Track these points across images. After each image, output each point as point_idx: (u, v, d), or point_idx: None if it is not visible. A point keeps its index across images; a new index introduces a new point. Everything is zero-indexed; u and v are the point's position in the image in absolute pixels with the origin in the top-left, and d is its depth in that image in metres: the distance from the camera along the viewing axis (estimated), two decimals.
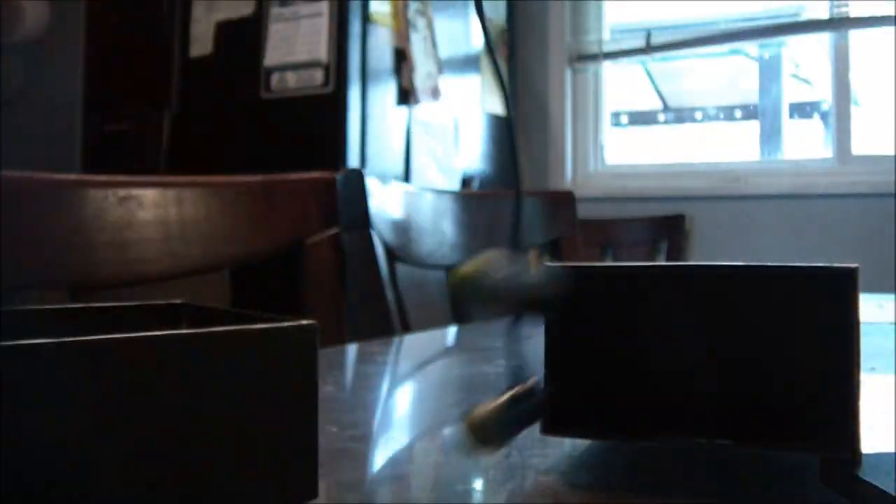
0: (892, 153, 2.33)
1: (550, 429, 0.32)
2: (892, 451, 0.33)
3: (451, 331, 0.93)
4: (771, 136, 2.60)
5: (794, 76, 2.62)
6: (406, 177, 2.28)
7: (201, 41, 2.30)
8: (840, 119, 2.44)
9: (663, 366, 0.30)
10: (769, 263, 0.30)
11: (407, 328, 0.96)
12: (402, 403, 0.52)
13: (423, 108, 2.33)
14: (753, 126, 2.64)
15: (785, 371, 0.29)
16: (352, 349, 0.74)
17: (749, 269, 0.30)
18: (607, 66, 2.77)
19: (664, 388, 0.30)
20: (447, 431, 0.43)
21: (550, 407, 0.32)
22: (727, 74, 2.78)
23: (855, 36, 2.43)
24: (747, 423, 0.29)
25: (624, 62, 2.80)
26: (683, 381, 0.30)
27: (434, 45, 2.35)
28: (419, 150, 2.32)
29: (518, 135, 2.76)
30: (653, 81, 2.86)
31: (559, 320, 0.32)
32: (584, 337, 0.32)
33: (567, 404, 0.32)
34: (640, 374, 0.31)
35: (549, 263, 0.33)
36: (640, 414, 0.31)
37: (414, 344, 0.81)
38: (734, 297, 0.29)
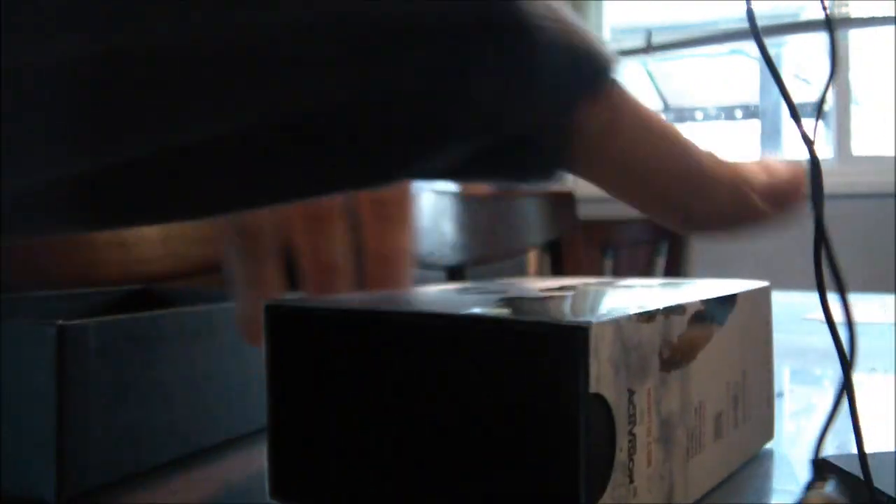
0: (892, 153, 2.33)
1: (276, 493, 0.28)
2: (892, 450, 0.33)
3: None
4: (771, 136, 2.60)
5: (795, 76, 2.62)
6: None
7: None
8: (840, 119, 2.44)
9: (383, 427, 0.26)
10: (494, 312, 0.25)
11: None
12: None
13: None
14: (754, 126, 2.64)
15: (508, 436, 0.24)
16: None
17: (458, 318, 0.25)
18: None
19: (387, 453, 0.26)
20: None
21: (276, 468, 0.28)
22: (727, 74, 2.78)
23: (855, 36, 2.43)
24: (479, 490, 0.25)
25: (624, 62, 2.80)
26: (404, 444, 0.26)
27: None
28: None
29: None
30: (653, 81, 2.86)
31: (281, 368, 0.28)
32: (305, 388, 0.28)
33: (291, 466, 0.28)
34: (361, 437, 0.26)
35: (272, 302, 0.28)
36: (364, 482, 0.27)
37: None
38: (449, 351, 0.25)
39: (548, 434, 0.23)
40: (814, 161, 0.27)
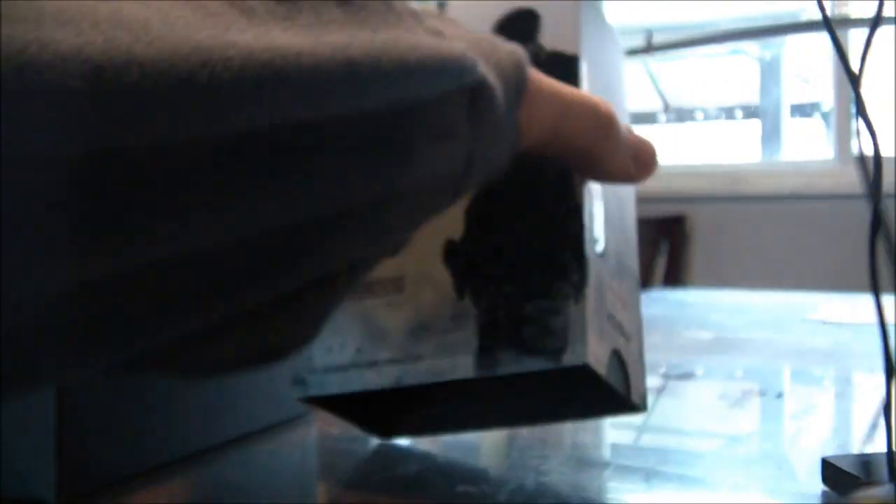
0: (893, 153, 2.33)
1: (387, 432, 0.38)
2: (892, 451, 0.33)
3: None
4: (772, 136, 2.60)
5: (795, 76, 2.62)
6: None
7: None
8: (840, 119, 2.44)
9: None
10: None
11: None
12: None
13: None
14: (754, 126, 2.64)
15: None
16: None
17: None
18: None
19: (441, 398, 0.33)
20: None
21: (382, 417, 0.37)
22: (728, 74, 2.78)
23: (855, 36, 2.43)
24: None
25: (625, 62, 2.80)
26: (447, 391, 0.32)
27: None
28: None
29: None
30: (654, 81, 2.86)
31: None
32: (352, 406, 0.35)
33: (393, 413, 0.36)
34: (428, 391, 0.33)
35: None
36: (435, 417, 0.36)
37: None
38: None
39: (583, 385, 0.30)
40: (876, 156, 0.30)
